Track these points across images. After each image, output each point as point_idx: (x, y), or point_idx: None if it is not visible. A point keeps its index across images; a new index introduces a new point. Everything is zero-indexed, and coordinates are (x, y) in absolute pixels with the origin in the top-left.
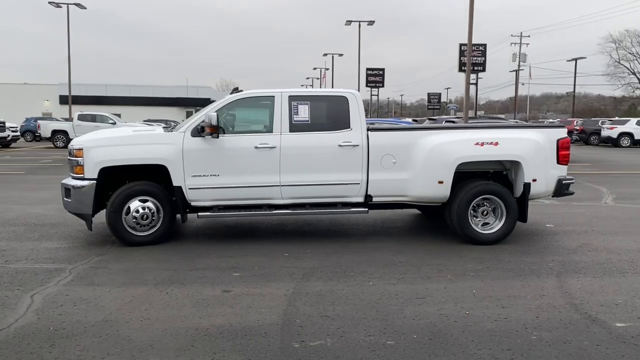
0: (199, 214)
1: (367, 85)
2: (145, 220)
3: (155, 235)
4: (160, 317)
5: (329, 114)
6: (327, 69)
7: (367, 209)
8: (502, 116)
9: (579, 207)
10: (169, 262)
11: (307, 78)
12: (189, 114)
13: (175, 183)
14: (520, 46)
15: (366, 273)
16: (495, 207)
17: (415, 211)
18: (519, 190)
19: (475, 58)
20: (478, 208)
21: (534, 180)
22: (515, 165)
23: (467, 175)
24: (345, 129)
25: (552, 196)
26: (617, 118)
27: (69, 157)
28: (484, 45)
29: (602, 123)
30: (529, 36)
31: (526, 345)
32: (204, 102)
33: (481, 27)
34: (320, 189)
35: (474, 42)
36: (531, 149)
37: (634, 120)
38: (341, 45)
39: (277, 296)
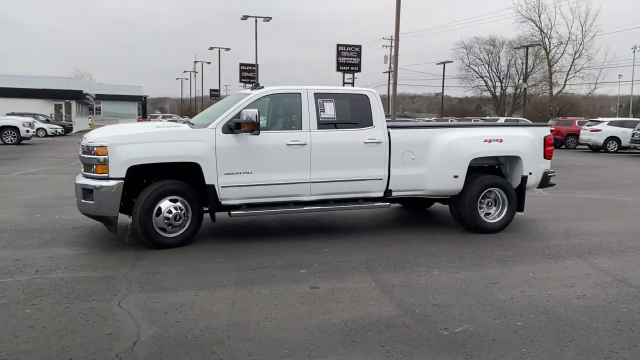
0: (231, 212)
1: (240, 81)
2: (178, 220)
3: (184, 237)
4: (284, 316)
5: (353, 112)
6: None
7: (389, 204)
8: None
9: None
10: (221, 263)
11: (185, 71)
12: (58, 107)
13: (207, 181)
14: (391, 49)
15: (420, 264)
16: (496, 198)
17: (398, 205)
18: (515, 183)
19: (350, 59)
20: (483, 200)
21: (530, 173)
22: (513, 160)
23: (470, 170)
24: (369, 126)
25: (537, 187)
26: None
27: (84, 155)
28: (359, 47)
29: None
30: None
31: (629, 318)
32: (77, 95)
33: (357, 27)
34: (347, 185)
35: (349, 42)
36: (528, 145)
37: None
38: (214, 39)
39: (368, 289)
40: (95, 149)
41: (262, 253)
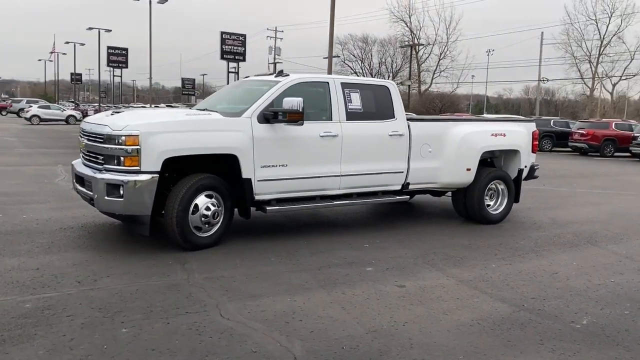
0: (267, 207)
1: (108, 65)
2: (216, 218)
3: (216, 236)
4: (410, 318)
5: (376, 103)
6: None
7: (408, 196)
8: None
9: None
10: (277, 263)
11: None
12: None
13: (244, 175)
14: (275, 40)
15: (468, 257)
16: (495, 190)
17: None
18: (512, 175)
19: (235, 47)
20: (487, 192)
21: (525, 166)
22: (512, 153)
23: None
24: (391, 118)
25: (524, 179)
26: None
27: (104, 145)
28: (244, 36)
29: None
30: (282, 31)
31: None
32: None
33: (243, 15)
34: (372, 178)
35: (234, 31)
36: (524, 140)
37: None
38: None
39: (453, 286)
40: (123, 138)
41: (308, 252)
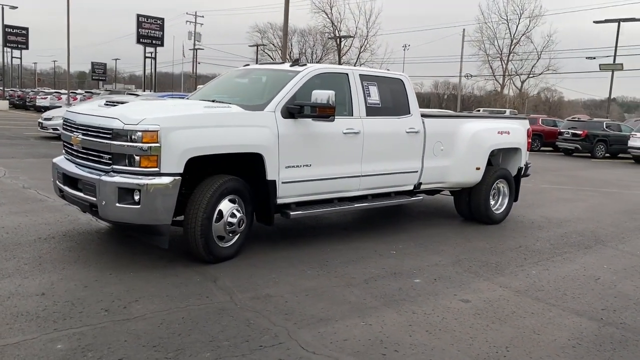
0: (291, 213)
1: (6, 46)
2: (241, 226)
3: (238, 245)
4: (508, 340)
5: (392, 98)
6: None
7: (422, 197)
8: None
9: None
10: (316, 277)
11: None
12: None
13: (269, 176)
14: (195, 25)
15: (501, 263)
16: (498, 189)
17: None
18: (513, 173)
19: (152, 31)
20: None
21: (526, 164)
22: (513, 151)
23: None
24: (407, 114)
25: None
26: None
27: (116, 142)
28: (162, 20)
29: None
30: (202, 16)
31: None
32: None
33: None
34: (389, 178)
35: (150, 14)
36: (524, 138)
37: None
38: None
39: (515, 298)
40: (139, 134)
41: (337, 260)
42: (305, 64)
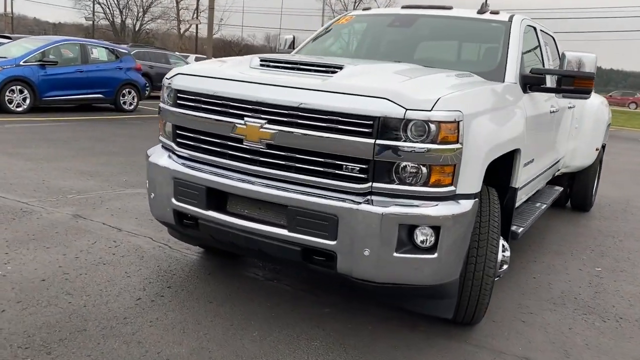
0: (519, 230)
1: None
2: (503, 266)
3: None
4: None
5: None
6: None
7: (562, 188)
8: None
9: None
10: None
11: None
12: None
13: (515, 182)
14: None
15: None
16: None
17: None
18: None
19: None
20: None
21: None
22: None
23: None
24: None
25: None
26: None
27: (385, 142)
28: None
29: None
30: None
31: None
32: None
33: None
34: (552, 169)
35: None
36: None
37: None
38: None
39: None
40: (433, 127)
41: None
42: (497, 11)
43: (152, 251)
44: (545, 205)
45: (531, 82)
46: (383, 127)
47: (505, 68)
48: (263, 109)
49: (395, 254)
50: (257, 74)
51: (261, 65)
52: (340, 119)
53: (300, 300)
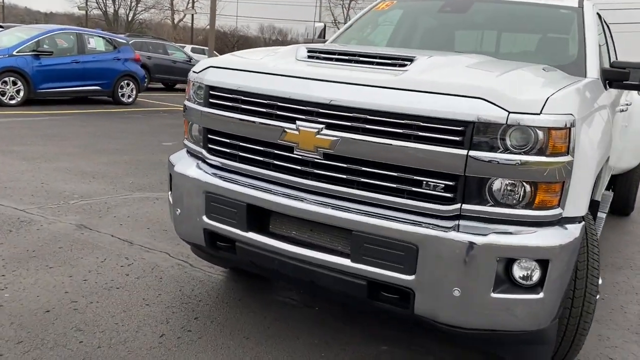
0: None
1: None
2: None
3: None
4: None
5: None
6: None
7: (612, 192)
8: None
9: None
10: None
11: None
12: None
13: (596, 196)
14: None
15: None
16: None
17: None
18: None
19: None
20: None
21: None
22: None
23: None
24: None
25: None
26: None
27: (481, 153)
28: None
29: None
30: None
31: None
32: None
33: None
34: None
35: None
36: None
37: None
38: None
39: None
40: (540, 133)
41: None
42: None
43: (171, 270)
44: (605, 215)
45: (613, 78)
46: (477, 134)
47: (586, 61)
48: (321, 111)
49: (492, 295)
50: (308, 68)
51: (309, 57)
52: (421, 124)
53: (349, 334)
